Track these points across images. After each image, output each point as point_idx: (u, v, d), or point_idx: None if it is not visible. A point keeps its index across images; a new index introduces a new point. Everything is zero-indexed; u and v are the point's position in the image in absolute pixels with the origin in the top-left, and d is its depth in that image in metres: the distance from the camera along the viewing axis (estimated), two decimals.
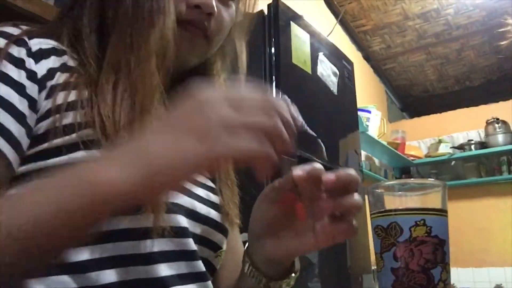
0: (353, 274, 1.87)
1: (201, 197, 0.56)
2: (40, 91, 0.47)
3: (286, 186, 0.46)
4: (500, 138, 3.71)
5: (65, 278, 0.42)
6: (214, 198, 0.58)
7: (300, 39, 1.76)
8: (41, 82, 0.47)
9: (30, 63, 0.47)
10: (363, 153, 3.10)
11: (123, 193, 0.34)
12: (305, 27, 1.83)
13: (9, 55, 0.46)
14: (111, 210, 0.35)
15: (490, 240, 3.72)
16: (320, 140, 1.79)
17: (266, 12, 1.71)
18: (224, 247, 0.60)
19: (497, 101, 4.05)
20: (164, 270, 0.48)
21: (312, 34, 1.86)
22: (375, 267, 0.43)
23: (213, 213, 0.57)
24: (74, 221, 0.34)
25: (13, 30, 0.49)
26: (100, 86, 0.48)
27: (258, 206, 0.51)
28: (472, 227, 3.77)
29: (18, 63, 0.46)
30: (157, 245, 0.48)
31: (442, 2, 3.18)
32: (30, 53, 0.48)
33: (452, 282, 0.42)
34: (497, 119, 3.77)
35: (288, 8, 1.76)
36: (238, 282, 0.58)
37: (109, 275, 0.44)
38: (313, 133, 1.76)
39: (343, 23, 3.41)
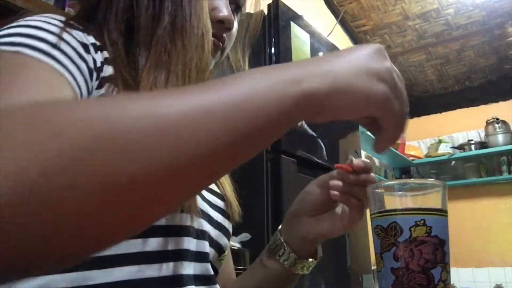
0: (353, 274, 1.87)
1: (210, 202, 0.58)
2: (96, 79, 0.46)
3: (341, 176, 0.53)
4: (500, 138, 3.71)
5: (92, 274, 0.42)
6: (219, 203, 0.61)
7: (300, 39, 1.76)
8: (98, 72, 0.46)
9: (92, 50, 0.46)
10: (363, 153, 3.10)
11: (314, 102, 0.33)
12: (305, 27, 1.83)
13: (75, 38, 0.45)
14: (295, 121, 0.33)
15: (490, 240, 3.72)
16: (320, 140, 1.79)
17: (266, 12, 1.71)
18: (228, 251, 0.63)
19: (497, 101, 4.06)
20: (185, 268, 0.49)
21: (312, 34, 1.86)
22: (375, 267, 0.43)
23: (220, 218, 0.59)
24: (270, 127, 0.30)
25: (64, 19, 0.47)
26: (141, 86, 0.47)
27: (309, 189, 0.58)
28: (472, 227, 3.77)
29: (86, 47, 0.45)
30: (182, 244, 0.50)
31: (442, 2, 3.18)
32: (88, 41, 0.47)
33: (452, 282, 0.42)
34: (497, 119, 3.77)
35: (288, 8, 1.76)
36: (250, 271, 0.63)
37: (131, 271, 0.44)
38: (313, 133, 1.76)
39: (343, 23, 3.41)
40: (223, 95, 0.29)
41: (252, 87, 0.30)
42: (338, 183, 0.52)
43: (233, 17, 0.58)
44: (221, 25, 0.56)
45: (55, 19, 0.45)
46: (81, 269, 0.42)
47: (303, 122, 1.67)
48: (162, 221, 0.47)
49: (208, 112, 0.27)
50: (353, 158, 0.51)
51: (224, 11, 0.56)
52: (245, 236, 1.24)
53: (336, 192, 0.53)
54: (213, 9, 0.55)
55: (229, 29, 0.58)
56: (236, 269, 0.72)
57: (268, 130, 0.31)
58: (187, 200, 0.30)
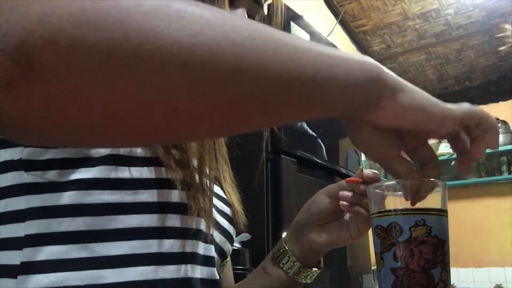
0: (353, 274, 1.87)
1: (216, 206, 0.58)
2: None
3: (350, 186, 0.53)
4: (500, 138, 3.69)
5: (104, 272, 0.42)
6: (226, 208, 0.60)
7: None
8: None
9: None
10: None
11: (385, 87, 0.35)
12: (305, 27, 1.83)
13: None
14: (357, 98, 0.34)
15: (490, 240, 3.72)
16: (320, 140, 1.79)
17: (266, 12, 1.70)
18: (229, 257, 0.62)
19: (497, 101, 4.05)
20: (194, 272, 0.49)
21: (312, 34, 1.86)
22: (375, 267, 0.43)
23: (226, 224, 0.59)
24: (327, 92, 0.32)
25: None
26: None
27: (317, 198, 0.58)
28: (472, 227, 3.77)
29: None
30: (193, 247, 0.49)
31: (442, 2, 3.18)
32: None
33: (452, 282, 0.42)
34: (497, 119, 3.76)
35: (288, 8, 1.76)
36: (252, 278, 0.62)
37: (144, 272, 0.44)
38: (313, 133, 1.76)
39: (343, 23, 3.41)
40: (311, 44, 0.31)
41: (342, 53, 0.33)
42: (348, 193, 0.53)
43: None
44: None
45: None
46: (94, 268, 0.42)
47: (303, 122, 1.67)
48: (178, 223, 0.47)
49: (305, 51, 0.30)
50: (364, 169, 0.51)
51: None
52: (245, 236, 1.24)
53: (345, 203, 0.53)
54: None
55: None
56: (236, 269, 0.72)
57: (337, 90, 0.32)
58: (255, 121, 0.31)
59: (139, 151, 0.45)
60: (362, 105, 0.35)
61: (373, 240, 0.43)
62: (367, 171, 0.50)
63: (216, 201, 0.58)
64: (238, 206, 0.62)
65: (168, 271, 0.46)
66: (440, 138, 0.41)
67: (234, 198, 0.63)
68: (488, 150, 0.42)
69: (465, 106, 0.39)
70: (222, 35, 0.26)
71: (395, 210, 0.41)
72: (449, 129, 0.39)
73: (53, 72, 0.22)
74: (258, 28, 0.29)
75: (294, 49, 0.30)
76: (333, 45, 2.06)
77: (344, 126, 0.40)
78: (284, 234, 0.62)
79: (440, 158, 4.05)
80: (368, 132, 0.38)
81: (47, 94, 0.23)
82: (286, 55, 0.29)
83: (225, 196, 0.61)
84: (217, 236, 0.56)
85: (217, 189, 0.59)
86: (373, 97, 0.35)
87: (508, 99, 3.97)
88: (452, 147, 0.43)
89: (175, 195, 0.47)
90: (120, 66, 0.23)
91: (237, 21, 0.28)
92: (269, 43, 0.28)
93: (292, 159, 1.57)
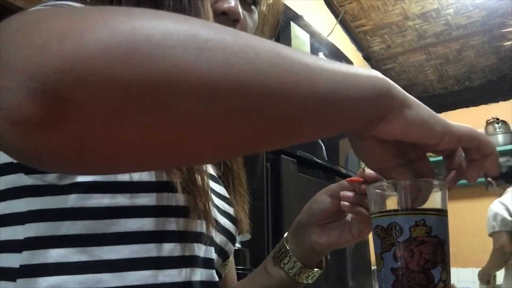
0: (353, 274, 1.87)
1: (218, 207, 0.57)
2: None
3: (351, 186, 0.53)
4: (500, 138, 3.70)
5: (104, 277, 0.42)
6: (228, 208, 0.59)
7: (300, 39, 1.76)
8: None
9: None
10: None
11: (394, 100, 0.36)
12: (305, 27, 1.83)
13: None
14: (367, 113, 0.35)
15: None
16: (320, 140, 1.79)
17: (266, 12, 1.70)
18: (231, 257, 0.62)
19: (497, 101, 4.05)
20: (195, 275, 0.49)
21: (312, 34, 1.86)
22: (375, 267, 0.43)
23: (228, 224, 0.58)
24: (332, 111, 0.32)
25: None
26: None
27: (318, 198, 0.58)
28: (472, 227, 3.77)
29: None
30: (194, 250, 0.49)
31: (442, 2, 3.18)
32: None
33: (452, 282, 0.42)
34: (497, 119, 3.76)
35: (288, 8, 1.76)
36: (253, 277, 0.62)
37: (144, 276, 0.44)
38: None
39: (343, 23, 3.41)
40: (327, 63, 0.32)
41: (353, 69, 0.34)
42: (349, 193, 0.52)
43: (239, 8, 0.52)
44: (225, 17, 0.52)
45: None
46: (93, 272, 0.42)
47: None
48: (178, 227, 0.47)
49: (321, 71, 0.31)
50: (365, 168, 0.50)
51: (230, 0, 0.52)
52: (245, 236, 1.24)
53: (346, 203, 0.52)
54: (216, 0, 0.52)
55: (236, 20, 0.53)
56: (236, 269, 0.72)
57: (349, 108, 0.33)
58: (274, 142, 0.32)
59: None
60: (370, 119, 0.36)
61: (373, 240, 0.43)
62: (369, 171, 0.50)
63: (218, 201, 0.57)
64: (242, 211, 0.62)
65: (168, 275, 0.45)
66: (438, 154, 0.42)
67: (240, 201, 0.62)
68: None
69: (467, 127, 0.40)
70: (247, 64, 0.26)
71: (395, 210, 0.41)
72: (448, 145, 0.39)
73: (86, 112, 0.23)
74: (279, 51, 0.29)
75: (311, 71, 0.30)
76: (333, 45, 2.06)
77: (348, 136, 0.41)
78: (285, 234, 0.61)
79: (440, 158, 4.06)
80: (372, 144, 0.39)
81: (81, 133, 0.23)
82: (305, 79, 0.29)
83: (227, 195, 0.61)
84: (218, 237, 0.56)
85: (220, 188, 0.59)
86: (382, 112, 0.35)
87: (508, 99, 3.97)
88: (445, 164, 0.44)
89: (175, 198, 0.46)
90: (152, 102, 0.24)
91: (259, 45, 0.28)
92: (290, 69, 0.29)
93: (292, 159, 1.57)
